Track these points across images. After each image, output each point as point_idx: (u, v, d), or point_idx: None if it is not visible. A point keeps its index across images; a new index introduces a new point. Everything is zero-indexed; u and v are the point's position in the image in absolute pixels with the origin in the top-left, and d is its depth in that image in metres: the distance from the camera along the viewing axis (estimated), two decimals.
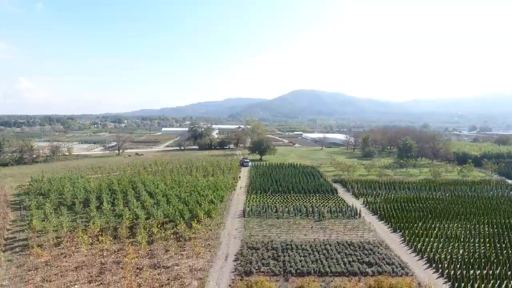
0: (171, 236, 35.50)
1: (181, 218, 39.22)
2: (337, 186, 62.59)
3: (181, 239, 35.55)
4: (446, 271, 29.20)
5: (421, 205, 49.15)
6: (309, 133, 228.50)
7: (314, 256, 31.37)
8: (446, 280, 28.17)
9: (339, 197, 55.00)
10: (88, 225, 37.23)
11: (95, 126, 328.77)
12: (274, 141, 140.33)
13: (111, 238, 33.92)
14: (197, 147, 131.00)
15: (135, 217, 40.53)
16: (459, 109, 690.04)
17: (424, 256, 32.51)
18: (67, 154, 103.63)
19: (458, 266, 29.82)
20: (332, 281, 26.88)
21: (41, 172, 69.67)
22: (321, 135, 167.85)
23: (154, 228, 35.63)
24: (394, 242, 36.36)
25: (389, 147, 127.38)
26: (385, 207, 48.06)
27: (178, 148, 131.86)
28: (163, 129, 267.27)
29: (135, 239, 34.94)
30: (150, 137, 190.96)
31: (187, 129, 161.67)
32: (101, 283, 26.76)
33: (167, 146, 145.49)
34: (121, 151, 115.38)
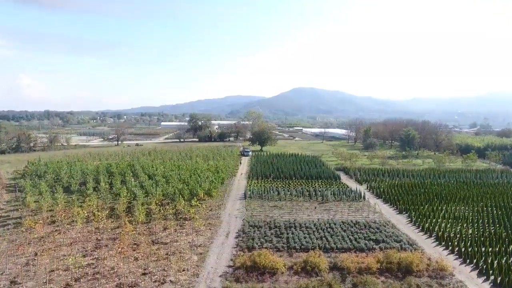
0: (170, 213, 34.25)
1: (181, 196, 38.04)
2: (340, 173, 61.39)
3: (180, 217, 34.40)
4: (457, 248, 28.11)
5: (426, 190, 47.98)
6: (309, 128, 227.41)
7: (318, 234, 30.21)
8: (457, 256, 27.08)
9: (342, 182, 53.88)
10: (84, 205, 35.98)
11: (94, 121, 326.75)
12: (274, 135, 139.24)
13: (107, 213, 32.74)
14: (197, 139, 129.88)
15: (133, 196, 39.32)
16: (459, 108, 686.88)
17: (433, 235, 31.42)
18: (66, 144, 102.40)
19: (468, 244, 28.70)
20: (338, 256, 25.74)
21: (38, 157, 68.43)
22: (322, 130, 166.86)
23: (152, 205, 34.40)
24: (400, 222, 35.27)
25: (390, 140, 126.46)
26: (389, 191, 46.91)
27: (178, 140, 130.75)
28: (163, 123, 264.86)
29: (132, 218, 33.73)
30: (150, 130, 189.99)
31: (186, 123, 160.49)
32: (97, 258, 25.60)
33: (167, 138, 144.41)
34: (120, 142, 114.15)
